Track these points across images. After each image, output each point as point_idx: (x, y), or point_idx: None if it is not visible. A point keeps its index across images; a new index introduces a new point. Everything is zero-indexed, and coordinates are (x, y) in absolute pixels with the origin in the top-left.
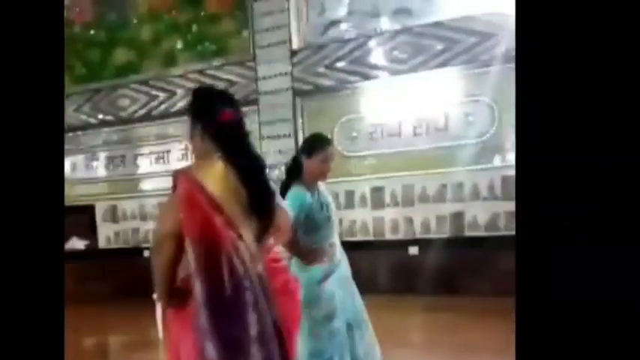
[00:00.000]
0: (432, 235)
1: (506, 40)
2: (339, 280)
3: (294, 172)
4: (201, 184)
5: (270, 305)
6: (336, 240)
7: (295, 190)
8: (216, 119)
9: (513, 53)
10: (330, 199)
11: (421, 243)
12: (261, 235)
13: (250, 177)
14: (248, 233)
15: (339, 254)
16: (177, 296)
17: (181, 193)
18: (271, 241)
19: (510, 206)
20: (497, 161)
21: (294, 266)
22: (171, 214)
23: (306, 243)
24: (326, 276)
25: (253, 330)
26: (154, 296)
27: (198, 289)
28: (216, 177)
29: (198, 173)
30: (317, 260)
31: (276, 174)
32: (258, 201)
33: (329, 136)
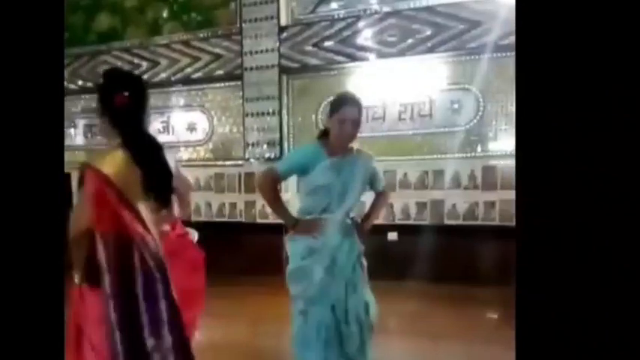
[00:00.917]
0: (412, 222)
1: (495, 29)
2: (327, 263)
3: (323, 132)
4: (108, 177)
5: (166, 288)
6: (337, 217)
7: (306, 145)
8: (113, 103)
9: (502, 42)
10: (362, 173)
11: (400, 229)
12: (160, 212)
13: (146, 160)
14: (152, 225)
15: (339, 236)
16: (93, 274)
17: (90, 192)
18: (176, 214)
19: (490, 196)
20: (479, 150)
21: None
22: (84, 213)
23: (303, 207)
24: (310, 252)
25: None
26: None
27: (108, 282)
28: (117, 165)
29: (102, 165)
30: (303, 231)
31: (258, 151)
32: (156, 183)
33: (354, 99)
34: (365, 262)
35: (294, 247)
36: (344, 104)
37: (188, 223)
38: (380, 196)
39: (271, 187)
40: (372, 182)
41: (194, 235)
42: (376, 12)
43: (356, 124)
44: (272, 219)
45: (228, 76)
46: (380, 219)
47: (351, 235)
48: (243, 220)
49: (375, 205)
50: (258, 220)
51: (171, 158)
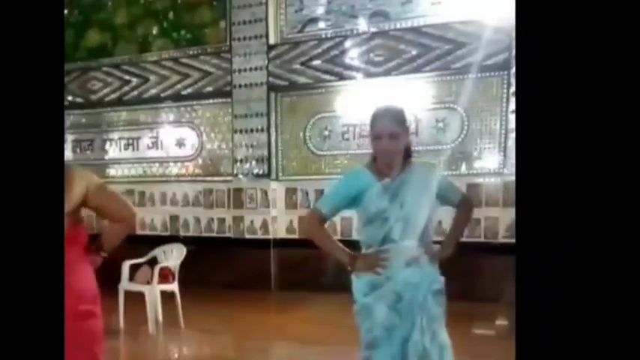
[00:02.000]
0: None
1: (480, 50)
2: (392, 299)
3: (373, 157)
4: None
5: None
6: (403, 245)
7: (352, 171)
8: None
9: (486, 63)
10: (424, 188)
11: None
12: None
13: None
14: None
15: (407, 267)
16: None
17: None
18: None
19: (475, 213)
20: (463, 168)
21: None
22: None
23: (363, 239)
24: (372, 288)
25: None
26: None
27: None
28: None
29: None
30: (364, 267)
31: (247, 167)
32: None
33: (386, 118)
34: (444, 298)
35: (356, 283)
36: (375, 119)
37: (177, 239)
38: (459, 210)
39: (319, 229)
40: (442, 195)
41: (182, 251)
42: (363, 32)
43: (395, 136)
44: (260, 234)
45: (218, 93)
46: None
47: (423, 264)
48: (232, 235)
49: (455, 222)
50: (247, 236)
51: None
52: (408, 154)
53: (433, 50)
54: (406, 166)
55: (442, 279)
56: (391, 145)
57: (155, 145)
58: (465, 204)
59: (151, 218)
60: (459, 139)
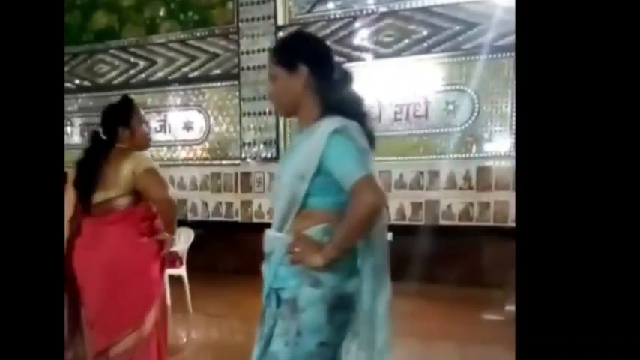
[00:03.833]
0: (407, 222)
1: (491, 30)
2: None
3: None
4: None
5: None
6: (270, 233)
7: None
8: None
9: (497, 43)
10: (303, 155)
11: (395, 229)
12: None
13: None
14: None
15: (265, 262)
16: None
17: None
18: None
19: (485, 197)
20: (474, 151)
21: None
22: None
23: None
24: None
25: None
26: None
27: None
28: None
29: None
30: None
31: (254, 151)
32: None
33: None
34: (298, 313)
35: None
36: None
37: (184, 223)
38: (352, 198)
39: None
40: (327, 171)
41: (190, 235)
42: (373, 12)
43: (273, 77)
44: (267, 218)
45: (225, 76)
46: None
47: (273, 263)
48: (240, 219)
49: (344, 221)
50: (255, 220)
51: None
52: (325, 103)
53: (443, 31)
54: (318, 121)
55: (304, 290)
56: (271, 89)
57: (163, 128)
58: (358, 196)
59: None
60: (470, 122)
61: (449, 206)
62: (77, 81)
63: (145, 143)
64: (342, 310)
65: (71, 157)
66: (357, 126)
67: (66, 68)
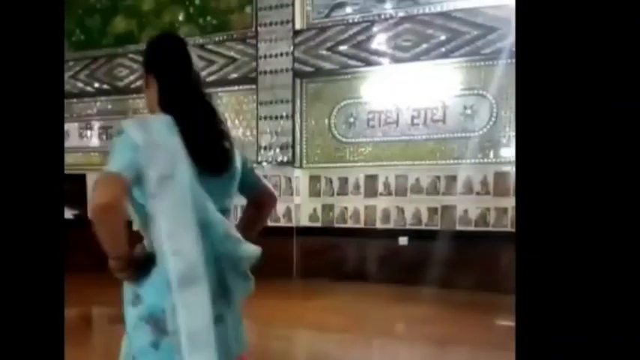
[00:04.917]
0: (423, 227)
1: (510, 35)
2: None
3: None
4: None
5: None
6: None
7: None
8: None
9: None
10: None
11: (411, 233)
12: None
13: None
14: None
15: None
16: None
17: None
18: None
19: (502, 202)
20: (491, 156)
21: None
22: None
23: None
24: None
25: None
26: None
27: None
28: None
29: None
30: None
31: (271, 155)
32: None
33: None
34: (129, 333)
35: None
36: None
37: None
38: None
39: None
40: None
41: None
42: (391, 17)
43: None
44: (283, 222)
45: (243, 80)
46: (392, 223)
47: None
48: None
49: None
50: (270, 223)
51: None
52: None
53: (462, 35)
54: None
55: (127, 309)
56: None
57: None
58: None
59: None
60: (488, 127)
61: (465, 211)
62: (97, 84)
63: None
64: (165, 332)
65: (91, 159)
66: (165, 119)
67: (85, 72)
